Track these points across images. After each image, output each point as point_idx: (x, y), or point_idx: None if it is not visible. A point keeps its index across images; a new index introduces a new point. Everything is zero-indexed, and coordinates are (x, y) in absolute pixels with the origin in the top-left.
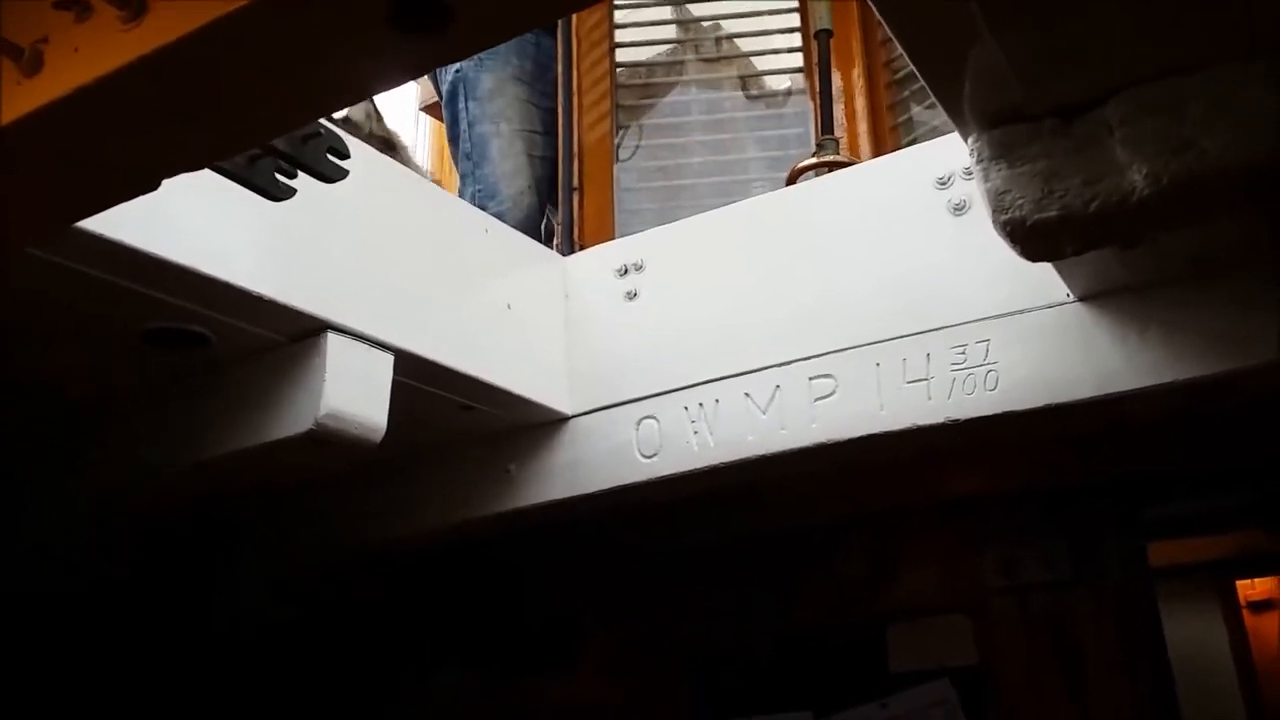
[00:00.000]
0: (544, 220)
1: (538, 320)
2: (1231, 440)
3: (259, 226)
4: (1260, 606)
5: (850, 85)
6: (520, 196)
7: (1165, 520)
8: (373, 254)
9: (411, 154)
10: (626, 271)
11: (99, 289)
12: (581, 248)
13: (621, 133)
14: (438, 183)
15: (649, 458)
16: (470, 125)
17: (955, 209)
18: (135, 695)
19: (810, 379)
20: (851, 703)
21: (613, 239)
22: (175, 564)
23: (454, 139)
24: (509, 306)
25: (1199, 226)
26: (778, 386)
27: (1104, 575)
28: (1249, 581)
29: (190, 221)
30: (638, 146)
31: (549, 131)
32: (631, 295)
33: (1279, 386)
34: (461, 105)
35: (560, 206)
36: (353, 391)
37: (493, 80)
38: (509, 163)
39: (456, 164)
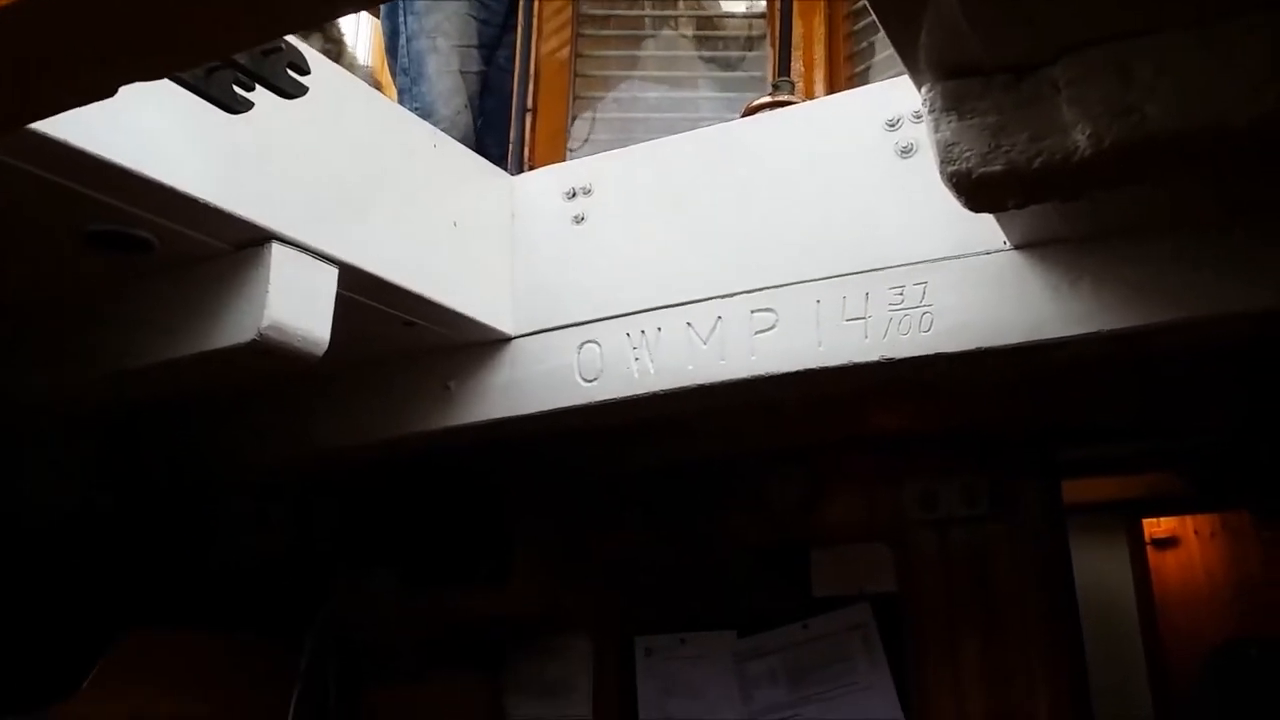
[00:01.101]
0: (477, 139)
1: (483, 239)
2: (1147, 389)
3: (207, 133)
4: (1164, 544)
5: (810, 33)
6: (457, 116)
7: (1080, 462)
8: (320, 165)
9: (354, 56)
10: (575, 195)
11: (41, 188)
12: (531, 169)
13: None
14: (378, 84)
15: (589, 382)
16: (408, 40)
17: (902, 152)
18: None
19: (752, 312)
20: (774, 624)
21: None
22: (110, 468)
23: (391, 51)
24: (455, 224)
25: (1137, 186)
26: (719, 318)
27: (1020, 512)
28: (1155, 520)
29: (138, 125)
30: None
31: (487, 45)
32: (579, 219)
33: (1195, 340)
34: (401, 18)
35: (512, 125)
36: (296, 303)
37: None
38: (446, 80)
39: (394, 77)
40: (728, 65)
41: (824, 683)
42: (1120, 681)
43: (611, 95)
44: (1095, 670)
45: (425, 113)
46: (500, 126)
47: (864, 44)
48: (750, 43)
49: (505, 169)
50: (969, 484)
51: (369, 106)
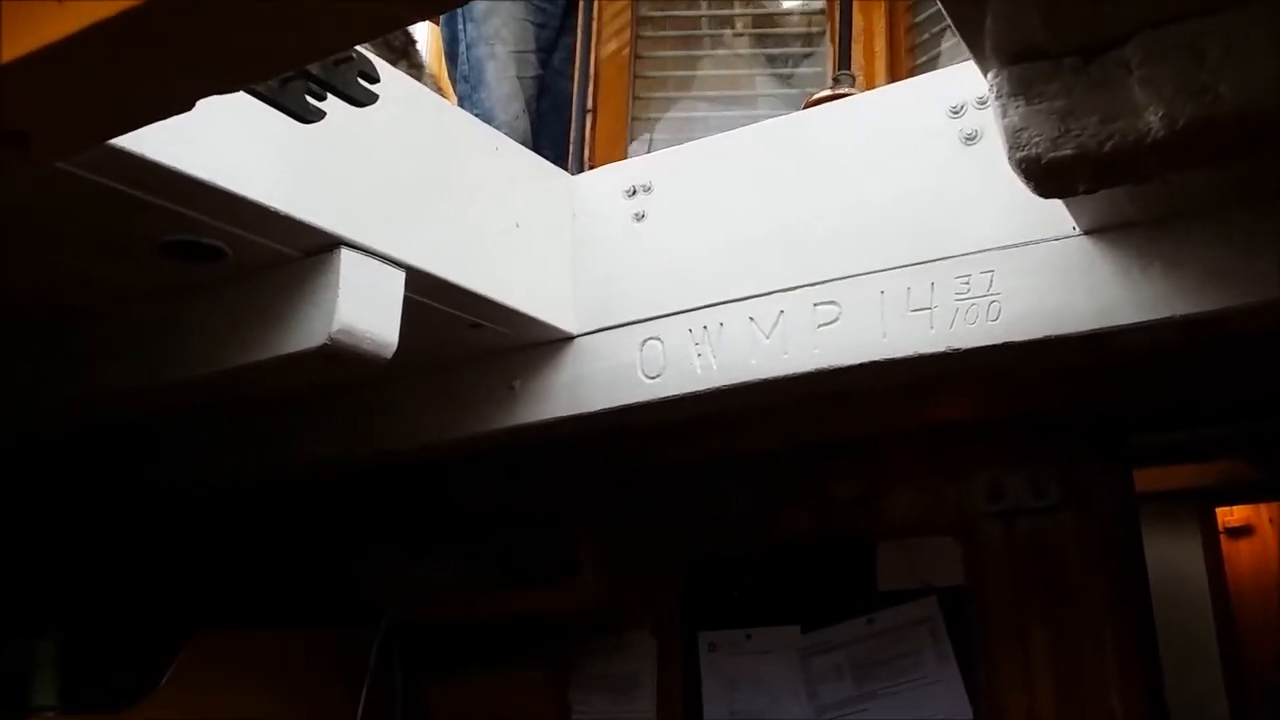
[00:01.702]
0: (533, 141)
1: (545, 239)
2: (1219, 374)
3: (276, 142)
4: (1237, 533)
5: (871, 26)
6: (516, 122)
7: (1152, 449)
8: (387, 171)
9: (433, 78)
10: (635, 192)
11: (118, 201)
12: (591, 169)
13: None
14: (440, 90)
15: (652, 378)
16: (468, 47)
17: (967, 139)
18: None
19: (815, 305)
20: (839, 618)
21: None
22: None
23: (451, 57)
24: (517, 225)
25: (1210, 168)
26: (782, 311)
27: (1090, 502)
28: (1228, 509)
29: (209, 136)
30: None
31: (543, 49)
32: (639, 216)
33: (1270, 324)
34: (460, 25)
35: (573, 126)
36: (365, 307)
37: None
38: (504, 87)
39: (453, 84)
40: (787, 62)
41: (890, 678)
42: (1195, 675)
43: (671, 97)
44: (1169, 663)
45: (485, 118)
46: (555, 128)
47: (925, 35)
48: (810, 39)
49: (563, 169)
50: (1037, 474)
51: (433, 112)
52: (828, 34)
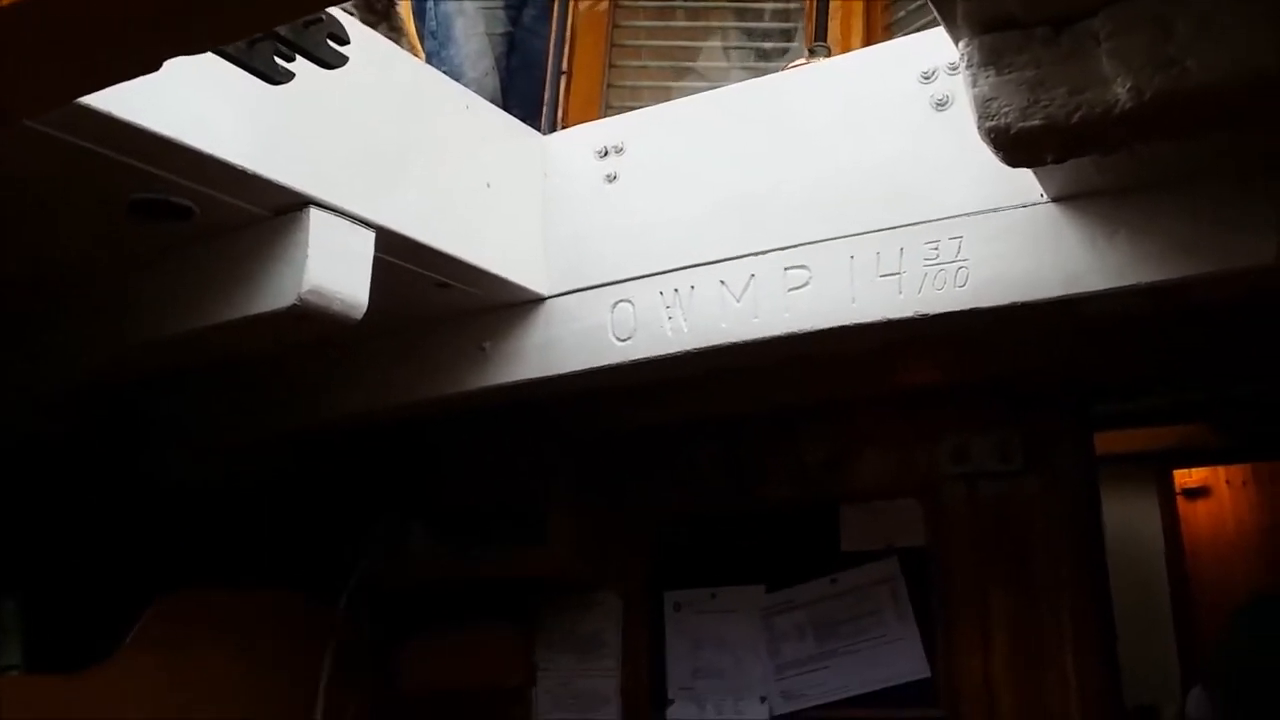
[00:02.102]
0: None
1: (516, 200)
2: (1182, 341)
3: (245, 101)
4: (1195, 494)
5: (849, 6)
6: (485, 78)
7: (1114, 414)
8: (356, 130)
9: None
10: (606, 153)
11: (86, 159)
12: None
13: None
14: (413, 48)
15: (623, 341)
16: (435, 2)
17: (938, 104)
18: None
19: (785, 269)
20: (804, 578)
21: None
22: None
23: (419, 14)
24: (488, 185)
25: (1177, 141)
26: (753, 275)
27: (1053, 467)
28: (1186, 471)
29: (178, 95)
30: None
31: (513, 5)
32: (611, 178)
33: (1232, 292)
34: None
35: (547, 87)
36: (335, 267)
37: None
38: (473, 43)
39: (421, 41)
40: (764, 39)
41: (851, 636)
42: (1148, 634)
43: (648, 65)
44: (1123, 620)
45: (453, 75)
46: (525, 87)
47: (902, 13)
48: (789, 15)
49: (535, 129)
50: (1002, 438)
51: (405, 72)
52: (805, 10)
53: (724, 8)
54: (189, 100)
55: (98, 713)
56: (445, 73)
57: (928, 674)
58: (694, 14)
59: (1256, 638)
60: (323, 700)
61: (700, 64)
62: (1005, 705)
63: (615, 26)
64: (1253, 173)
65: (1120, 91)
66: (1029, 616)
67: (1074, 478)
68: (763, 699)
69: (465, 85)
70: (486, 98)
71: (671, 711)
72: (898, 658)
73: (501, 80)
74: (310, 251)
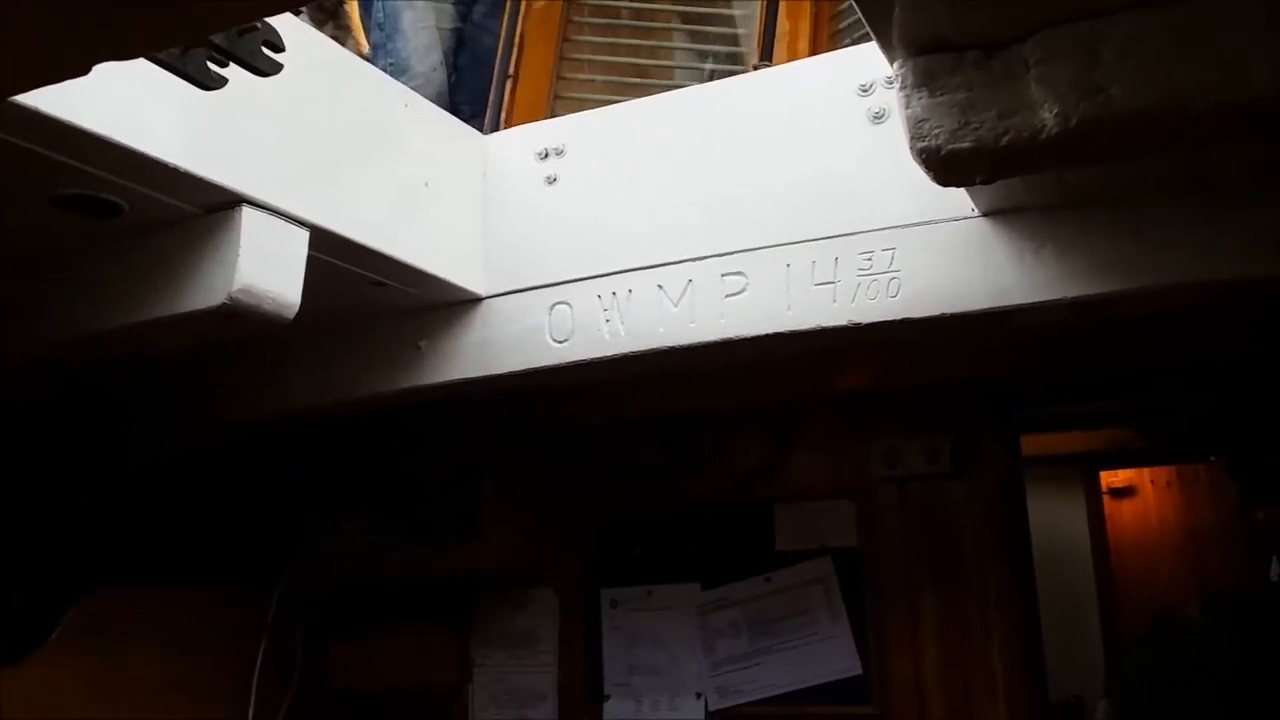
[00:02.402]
0: (450, 97)
1: (455, 199)
2: (1106, 350)
3: (177, 99)
4: (1121, 493)
5: (795, 28)
6: (433, 73)
7: (1041, 419)
8: (290, 128)
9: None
10: (547, 155)
11: (10, 153)
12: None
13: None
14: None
15: (560, 342)
16: None
17: (875, 117)
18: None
19: (722, 275)
20: (739, 576)
21: None
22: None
23: (366, 6)
24: (426, 184)
25: (1101, 166)
26: (690, 281)
27: (981, 470)
28: (1113, 471)
29: (108, 91)
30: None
31: (463, 0)
32: (551, 180)
33: (1155, 307)
34: None
35: (493, 89)
36: (266, 267)
37: None
38: (421, 37)
39: (367, 33)
40: (713, 59)
41: (785, 634)
42: (1074, 630)
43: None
44: (1050, 616)
45: (400, 69)
46: (474, 85)
47: (848, 41)
48: (737, 39)
49: (478, 129)
50: (932, 442)
51: (340, 68)
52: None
53: (673, 28)
54: (120, 97)
55: (22, 710)
56: (391, 65)
57: (860, 671)
58: (643, 33)
59: (1151, 659)
60: (255, 698)
61: (647, 81)
62: (934, 702)
63: (565, 40)
64: (1176, 192)
65: (1047, 116)
66: (958, 615)
67: (1000, 480)
68: (698, 695)
69: (412, 79)
70: (433, 92)
71: (608, 707)
72: (831, 655)
73: (449, 76)
74: (241, 250)
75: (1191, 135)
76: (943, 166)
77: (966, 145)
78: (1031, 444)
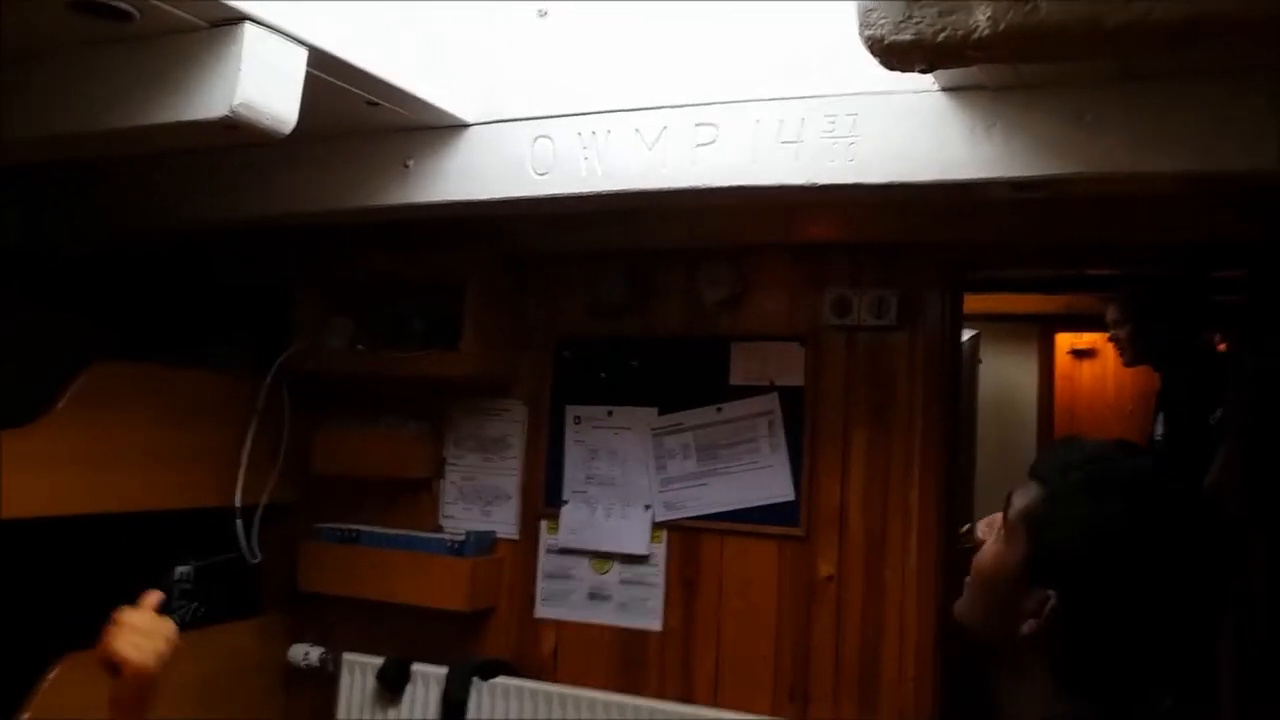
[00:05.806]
0: None
1: (448, 26)
2: (1051, 221)
3: None
4: (1083, 354)
5: None
6: None
7: (988, 280)
8: None
9: None
10: None
11: None
12: None
13: None
14: None
15: (541, 175)
16: None
17: None
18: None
19: (695, 125)
20: (693, 405)
21: None
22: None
23: None
24: (423, 11)
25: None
26: (665, 127)
27: (923, 324)
28: (1079, 333)
29: None
30: None
31: None
32: (543, 13)
33: (1095, 190)
34: None
35: None
36: (266, 83)
37: None
38: None
39: None
40: None
41: (729, 459)
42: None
43: None
44: (989, 460)
45: None
46: None
47: None
48: None
49: None
50: (880, 296)
51: None
52: None
53: None
54: None
55: (26, 466)
56: None
57: (793, 497)
58: None
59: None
60: (244, 471)
61: None
62: (854, 527)
63: None
64: (1119, 83)
65: (981, 19)
66: (883, 453)
67: (939, 335)
68: (646, 507)
69: None
70: None
71: (565, 510)
72: (768, 481)
73: None
74: (244, 65)
75: (1107, 47)
76: (886, 54)
77: (907, 38)
78: (993, 303)
